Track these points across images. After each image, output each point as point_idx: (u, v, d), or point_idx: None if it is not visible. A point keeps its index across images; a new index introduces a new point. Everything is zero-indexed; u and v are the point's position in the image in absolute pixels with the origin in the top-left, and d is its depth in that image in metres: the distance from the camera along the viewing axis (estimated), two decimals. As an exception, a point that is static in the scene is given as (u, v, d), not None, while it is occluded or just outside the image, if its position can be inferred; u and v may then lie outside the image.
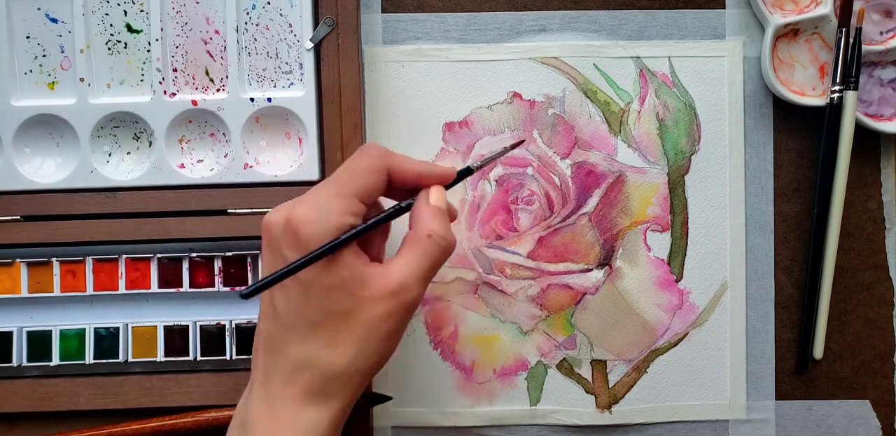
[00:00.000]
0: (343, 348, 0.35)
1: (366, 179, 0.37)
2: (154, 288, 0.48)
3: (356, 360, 0.35)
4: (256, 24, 0.48)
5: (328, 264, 0.35)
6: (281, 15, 0.48)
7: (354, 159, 0.38)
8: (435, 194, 0.38)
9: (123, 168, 0.49)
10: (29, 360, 0.48)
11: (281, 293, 0.36)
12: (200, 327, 0.48)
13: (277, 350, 0.36)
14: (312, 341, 0.35)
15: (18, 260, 0.48)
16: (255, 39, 0.48)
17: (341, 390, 0.36)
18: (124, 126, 0.49)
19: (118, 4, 0.48)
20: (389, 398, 0.47)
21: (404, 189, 0.39)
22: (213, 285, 0.48)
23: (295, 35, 0.48)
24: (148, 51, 0.48)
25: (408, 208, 0.39)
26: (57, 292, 0.48)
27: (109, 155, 0.49)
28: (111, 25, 0.48)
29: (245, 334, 0.48)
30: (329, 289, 0.35)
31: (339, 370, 0.35)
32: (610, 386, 0.50)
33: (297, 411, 0.35)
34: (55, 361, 0.48)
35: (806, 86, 0.49)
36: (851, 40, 0.48)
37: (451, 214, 0.41)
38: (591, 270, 0.50)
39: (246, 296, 0.33)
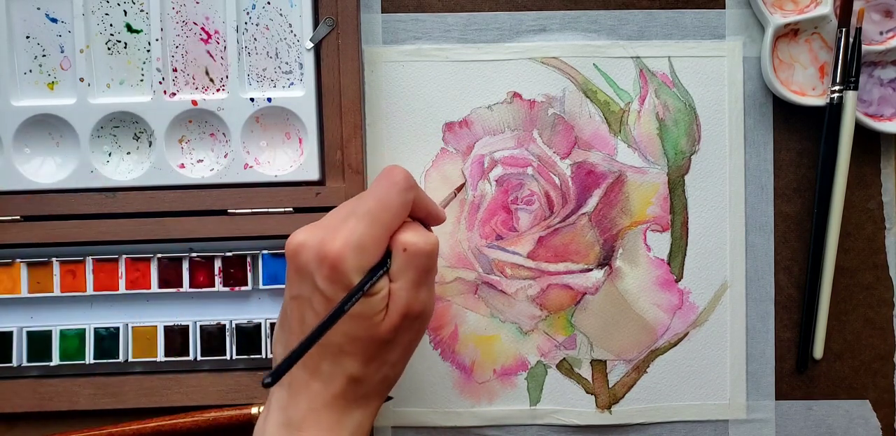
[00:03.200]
0: (368, 363, 0.38)
1: (399, 217, 0.38)
2: (154, 288, 0.48)
3: (380, 369, 0.39)
4: (256, 24, 0.48)
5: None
6: (281, 15, 0.48)
7: (384, 190, 0.38)
8: None
9: (123, 168, 0.49)
10: (29, 360, 0.48)
11: (311, 312, 0.37)
12: (200, 327, 0.48)
13: (310, 360, 0.38)
14: (341, 358, 0.38)
15: (18, 260, 0.48)
16: (255, 39, 0.48)
17: (373, 396, 0.39)
18: (124, 126, 0.49)
19: (118, 4, 0.48)
20: (389, 398, 0.47)
21: None
22: (213, 285, 0.48)
23: (295, 35, 0.48)
24: (148, 51, 0.48)
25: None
26: (57, 292, 0.48)
27: (109, 155, 0.49)
28: (111, 25, 0.48)
29: (245, 334, 0.48)
30: (350, 317, 0.36)
31: (369, 380, 0.38)
32: (610, 386, 0.50)
33: (341, 413, 0.38)
34: (55, 361, 0.48)
35: (806, 86, 0.49)
36: (851, 40, 0.48)
37: (439, 218, 0.41)
38: (591, 270, 0.50)
39: (271, 383, 0.31)
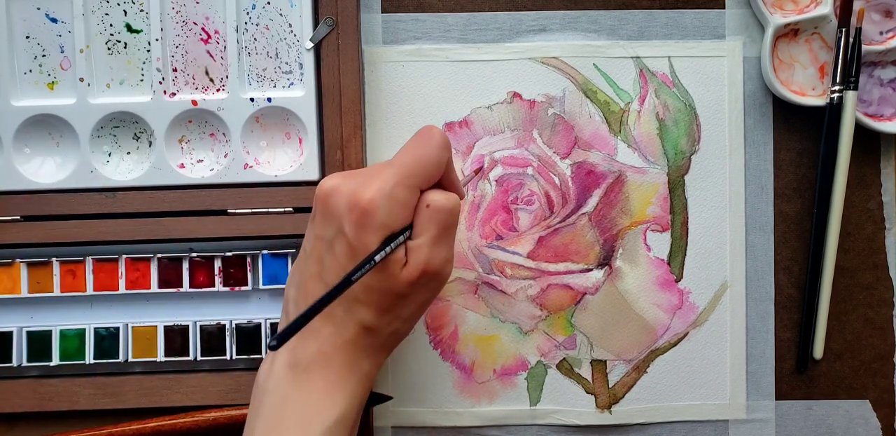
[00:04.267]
0: (381, 314, 0.39)
1: (432, 175, 0.39)
2: (154, 288, 0.48)
3: (392, 322, 0.40)
4: (256, 24, 0.48)
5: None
6: (281, 15, 0.48)
7: (422, 146, 0.39)
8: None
9: (123, 168, 0.49)
10: (29, 360, 0.48)
11: (330, 256, 0.38)
12: (200, 326, 0.48)
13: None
14: (355, 306, 0.39)
15: (18, 260, 0.48)
16: (255, 39, 0.48)
17: (382, 347, 0.41)
18: (124, 126, 0.49)
19: (118, 4, 0.48)
20: (389, 398, 0.47)
21: None
22: (213, 285, 0.48)
23: (295, 35, 0.48)
24: (148, 51, 0.48)
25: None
26: (57, 292, 0.48)
27: (109, 155, 0.49)
28: (111, 25, 0.48)
29: (245, 334, 0.48)
30: (372, 269, 0.38)
31: (380, 331, 0.40)
32: (610, 386, 0.50)
33: (350, 359, 0.39)
34: (55, 361, 0.48)
35: (806, 86, 0.49)
36: (851, 40, 0.48)
37: (459, 194, 0.42)
38: (591, 270, 0.50)
39: (276, 346, 0.33)
